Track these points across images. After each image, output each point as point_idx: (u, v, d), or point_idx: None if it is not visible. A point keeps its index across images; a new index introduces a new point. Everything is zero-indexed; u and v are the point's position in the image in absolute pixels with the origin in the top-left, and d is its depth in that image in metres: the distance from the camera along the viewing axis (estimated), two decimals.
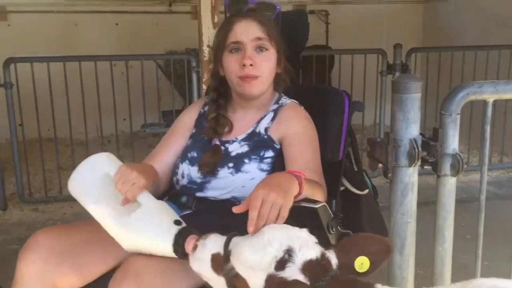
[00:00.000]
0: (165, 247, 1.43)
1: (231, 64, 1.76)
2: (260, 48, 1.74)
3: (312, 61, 4.62)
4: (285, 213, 1.28)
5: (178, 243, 1.40)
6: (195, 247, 1.30)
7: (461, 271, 1.86)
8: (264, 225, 1.23)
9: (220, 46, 1.77)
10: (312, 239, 1.18)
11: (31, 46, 5.34)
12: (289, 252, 1.13)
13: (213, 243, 1.26)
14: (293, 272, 1.10)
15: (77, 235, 1.65)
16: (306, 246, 1.15)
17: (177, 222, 1.46)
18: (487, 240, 2.87)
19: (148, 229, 1.46)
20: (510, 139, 4.32)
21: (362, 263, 1.15)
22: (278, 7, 1.77)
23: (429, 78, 4.88)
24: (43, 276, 1.55)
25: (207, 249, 1.26)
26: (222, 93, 1.85)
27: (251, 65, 1.72)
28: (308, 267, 1.12)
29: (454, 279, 1.60)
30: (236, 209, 1.33)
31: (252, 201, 1.27)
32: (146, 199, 1.52)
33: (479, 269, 1.66)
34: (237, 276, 1.16)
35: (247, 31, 1.72)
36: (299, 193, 1.41)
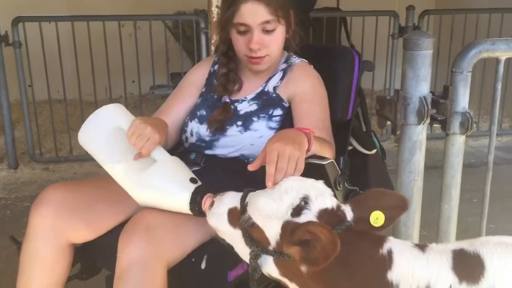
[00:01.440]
0: (182, 205, 1.44)
1: (238, 44, 1.72)
2: (268, 30, 1.69)
3: (323, 23, 4.55)
4: (302, 165, 1.27)
5: (195, 201, 1.41)
6: (212, 204, 1.32)
7: (467, 233, 1.88)
8: (283, 178, 1.23)
9: (227, 22, 1.71)
10: (328, 190, 1.19)
11: (39, 6, 5.29)
12: (305, 200, 1.14)
13: (230, 198, 1.28)
14: (308, 219, 1.12)
15: (87, 190, 1.67)
16: (322, 195, 1.16)
17: (192, 180, 1.47)
18: (493, 204, 2.88)
19: (164, 186, 1.47)
20: None
21: (377, 218, 1.16)
22: None
23: (442, 41, 4.78)
24: (55, 229, 1.58)
25: (224, 204, 1.28)
26: (231, 56, 1.83)
27: (258, 49, 1.69)
28: (324, 215, 1.13)
29: (461, 240, 1.61)
30: (251, 167, 1.32)
31: (269, 155, 1.26)
32: (161, 155, 1.51)
33: (484, 228, 1.67)
34: (253, 225, 1.18)
35: (254, 15, 1.65)
36: (308, 150, 1.41)
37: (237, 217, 1.23)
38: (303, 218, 1.12)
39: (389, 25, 4.61)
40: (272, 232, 1.16)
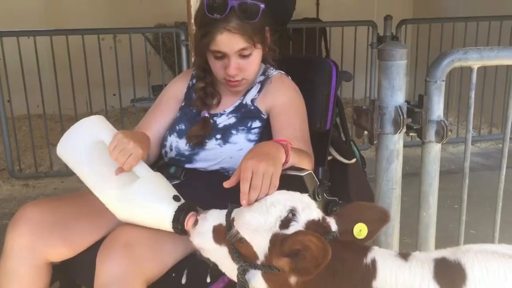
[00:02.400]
0: (164, 223, 1.42)
1: (216, 67, 1.73)
2: (245, 55, 1.69)
3: (303, 34, 4.59)
4: (276, 182, 1.28)
5: (178, 220, 1.40)
6: (195, 223, 1.31)
7: (449, 239, 1.89)
8: (258, 196, 1.23)
9: (203, 48, 1.70)
10: (313, 203, 1.21)
11: (17, 20, 5.25)
12: (292, 212, 1.15)
13: (214, 216, 1.28)
14: (297, 230, 1.13)
15: (65, 207, 1.65)
16: (308, 208, 1.18)
17: (176, 198, 1.45)
18: (474, 209, 2.92)
19: (146, 203, 1.45)
20: (500, 110, 4.34)
21: (360, 230, 1.18)
22: (262, 6, 1.66)
23: (419, 49, 4.87)
24: (32, 248, 1.55)
25: (208, 222, 1.28)
26: (207, 70, 1.82)
27: (236, 74, 1.70)
28: (312, 226, 1.15)
29: (441, 247, 1.62)
30: (226, 184, 1.33)
31: (243, 173, 1.27)
32: (144, 171, 1.49)
33: (463, 234, 1.69)
34: (241, 240, 1.18)
35: (230, 44, 1.65)
36: (286, 162, 1.42)
37: (223, 234, 1.23)
38: (292, 230, 1.13)
39: (368, 35, 4.68)
40: (261, 246, 1.16)
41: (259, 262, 1.17)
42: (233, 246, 1.20)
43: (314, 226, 1.15)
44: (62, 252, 1.59)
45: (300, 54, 4.43)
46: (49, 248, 1.57)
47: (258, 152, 1.35)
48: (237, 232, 1.19)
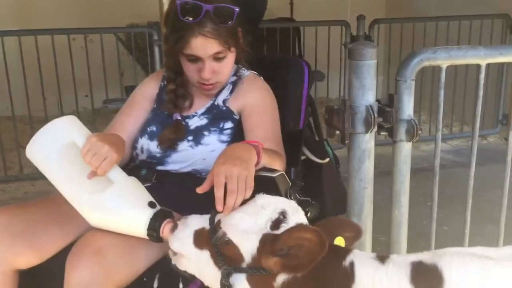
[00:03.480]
0: (139, 231, 1.39)
1: (189, 70, 1.70)
2: (219, 58, 1.67)
3: (277, 34, 4.59)
4: (251, 183, 1.28)
5: (154, 228, 1.37)
6: (175, 227, 1.29)
7: (422, 237, 1.92)
8: (236, 200, 1.23)
9: (175, 49, 1.67)
10: (300, 209, 1.23)
11: None
12: (283, 214, 1.17)
13: (196, 220, 1.27)
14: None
15: (33, 214, 1.60)
16: (297, 212, 1.21)
17: (151, 204, 1.41)
18: (446, 207, 2.96)
19: (120, 210, 1.41)
20: (471, 108, 4.42)
21: (339, 242, 1.24)
22: (236, 9, 1.65)
23: (392, 49, 4.93)
24: None
25: (189, 227, 1.26)
26: (178, 71, 1.79)
27: (210, 77, 1.68)
28: (292, 228, 1.15)
29: (415, 245, 1.65)
30: (200, 189, 1.32)
31: (216, 178, 1.26)
32: (119, 176, 1.45)
33: (434, 231, 1.71)
34: (228, 242, 1.17)
35: (205, 48, 1.63)
36: (258, 163, 1.41)
37: (205, 238, 1.22)
38: (282, 231, 1.14)
39: (341, 35, 4.71)
40: (249, 247, 1.16)
41: (244, 265, 1.17)
42: (216, 249, 1.19)
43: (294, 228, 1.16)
44: (29, 259, 1.54)
45: (273, 54, 4.43)
46: (16, 256, 1.53)
47: (229, 156, 1.34)
48: (224, 234, 1.18)
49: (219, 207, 1.23)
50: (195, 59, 1.66)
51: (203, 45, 1.62)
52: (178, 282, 1.46)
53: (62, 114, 4.31)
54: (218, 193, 1.24)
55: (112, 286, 1.39)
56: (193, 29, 1.60)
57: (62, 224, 1.58)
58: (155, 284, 1.46)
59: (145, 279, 1.47)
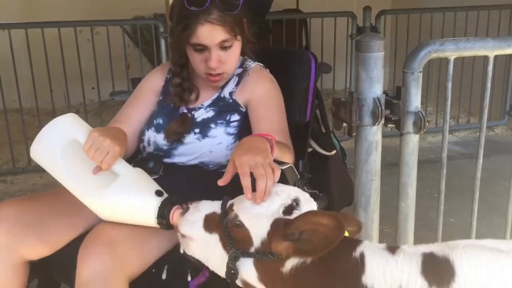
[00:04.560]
0: (149, 220, 1.40)
1: (196, 61, 1.70)
2: (225, 47, 1.67)
3: (282, 25, 4.58)
4: (276, 165, 1.28)
5: (163, 216, 1.38)
6: (186, 210, 1.30)
7: (429, 228, 1.92)
8: (267, 184, 1.21)
9: (183, 41, 1.67)
10: (312, 200, 1.25)
11: None
12: (296, 201, 1.19)
13: (207, 205, 1.28)
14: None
15: (42, 206, 1.62)
16: (310, 202, 1.22)
17: (158, 193, 1.42)
18: (453, 198, 2.96)
19: (129, 201, 1.42)
20: (477, 100, 4.40)
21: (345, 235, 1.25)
22: None
23: (398, 40, 4.91)
24: (8, 247, 1.53)
25: (201, 211, 1.27)
26: (183, 64, 1.80)
27: (217, 67, 1.68)
28: (307, 212, 1.17)
29: (422, 236, 1.65)
30: (221, 182, 1.30)
31: (240, 169, 1.25)
32: (123, 168, 1.46)
33: (441, 223, 1.71)
34: (238, 225, 1.19)
35: (211, 36, 1.63)
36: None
37: (215, 222, 1.23)
38: (294, 217, 1.15)
39: (348, 26, 4.69)
40: (259, 231, 1.17)
41: (253, 249, 1.17)
42: (226, 232, 1.19)
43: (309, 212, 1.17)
44: (39, 250, 1.56)
45: (279, 46, 4.42)
46: (26, 247, 1.54)
47: (249, 147, 1.33)
48: (236, 216, 1.19)
49: (248, 195, 1.20)
50: (202, 48, 1.66)
51: (209, 32, 1.62)
52: (186, 274, 1.48)
53: (69, 106, 4.34)
54: (245, 182, 1.22)
55: (124, 276, 1.41)
56: (199, 17, 1.61)
57: (71, 216, 1.60)
58: (164, 276, 1.48)
59: (153, 270, 1.48)
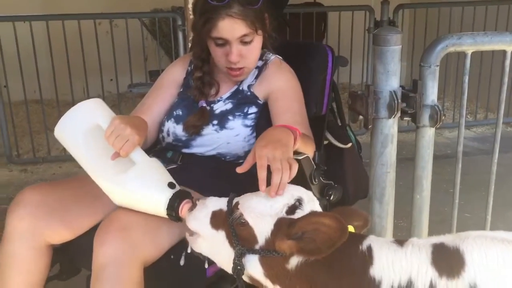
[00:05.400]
0: (159, 210, 1.44)
1: (217, 55, 1.72)
2: (246, 42, 1.69)
3: (299, 19, 4.58)
4: (295, 163, 1.30)
5: (173, 207, 1.42)
6: (194, 207, 1.33)
7: (444, 223, 1.93)
8: (282, 179, 1.24)
9: (203, 32, 1.70)
10: (316, 199, 1.26)
11: (13, 5, 5.22)
12: (299, 201, 1.21)
13: (214, 202, 1.31)
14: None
15: (64, 191, 1.67)
16: (313, 200, 1.24)
17: (171, 185, 1.46)
18: (469, 193, 2.95)
19: (141, 190, 1.46)
20: (496, 95, 4.35)
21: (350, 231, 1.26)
22: None
23: (416, 34, 4.87)
24: (32, 230, 1.57)
25: (207, 208, 1.30)
26: (205, 58, 1.83)
27: (238, 61, 1.70)
28: (311, 213, 1.19)
29: (437, 231, 1.65)
30: (239, 169, 1.33)
31: (259, 161, 1.28)
32: (140, 157, 1.49)
33: (456, 217, 1.72)
34: (243, 224, 1.21)
35: (232, 30, 1.64)
36: (293, 148, 1.44)
37: (222, 218, 1.26)
38: (297, 217, 1.17)
39: (365, 20, 4.67)
40: (263, 229, 1.19)
41: (257, 247, 1.20)
42: (232, 229, 1.22)
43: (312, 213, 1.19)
44: (61, 234, 1.61)
45: (297, 39, 4.42)
46: (49, 231, 1.59)
47: (271, 140, 1.35)
48: (241, 215, 1.22)
49: (262, 187, 1.23)
50: (223, 43, 1.68)
51: (230, 26, 1.64)
52: (204, 260, 1.51)
53: (88, 97, 4.36)
54: (262, 175, 1.25)
55: (138, 262, 1.45)
56: (220, 11, 1.63)
57: (91, 203, 1.64)
58: (182, 262, 1.51)
59: (172, 256, 1.51)
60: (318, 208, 1.23)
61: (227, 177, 1.59)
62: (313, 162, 1.56)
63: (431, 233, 1.70)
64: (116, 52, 4.24)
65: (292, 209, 1.19)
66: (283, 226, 1.17)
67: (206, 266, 1.52)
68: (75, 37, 4.07)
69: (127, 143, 1.45)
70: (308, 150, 1.54)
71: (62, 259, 1.74)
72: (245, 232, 1.21)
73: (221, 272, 1.54)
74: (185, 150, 1.80)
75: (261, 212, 1.20)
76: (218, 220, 1.27)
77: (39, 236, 1.58)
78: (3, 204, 3.37)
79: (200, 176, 1.69)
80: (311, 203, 1.22)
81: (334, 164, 1.92)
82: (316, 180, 1.53)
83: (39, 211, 1.58)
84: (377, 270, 1.12)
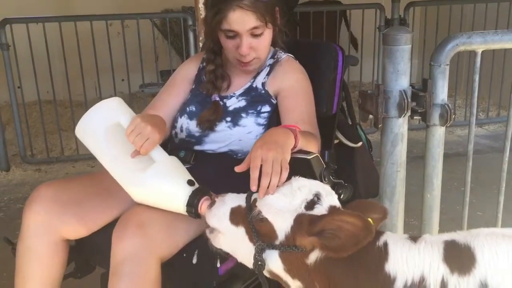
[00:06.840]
0: (179, 207, 1.46)
1: (228, 47, 1.74)
2: (256, 34, 1.71)
3: (310, 17, 4.57)
4: (286, 165, 1.33)
5: (192, 205, 1.44)
6: (213, 204, 1.35)
7: (455, 221, 1.93)
8: (270, 181, 1.27)
9: (215, 27, 1.72)
10: (333, 193, 1.28)
11: (26, 7, 5.28)
12: (317, 196, 1.22)
13: (233, 198, 1.33)
14: (321, 212, 1.19)
15: (79, 187, 1.70)
16: (331, 195, 1.25)
17: (190, 182, 1.48)
18: (481, 192, 2.94)
19: (161, 187, 1.48)
20: (508, 92, 4.32)
21: None
22: None
23: (427, 32, 4.85)
24: (48, 225, 1.61)
25: (226, 205, 1.32)
26: (217, 52, 1.85)
27: (248, 54, 1.71)
28: (334, 211, 1.21)
29: (449, 229, 1.66)
30: (238, 168, 1.37)
31: (252, 162, 1.32)
32: (160, 155, 1.52)
33: (466, 215, 1.72)
34: (262, 220, 1.23)
35: (242, 22, 1.66)
36: (295, 146, 1.46)
37: (241, 215, 1.28)
38: (316, 212, 1.19)
39: (376, 18, 4.65)
40: (283, 225, 1.21)
41: (277, 242, 1.21)
42: (252, 226, 1.24)
43: (336, 212, 1.20)
44: (77, 229, 1.63)
45: (306, 39, 4.42)
46: (64, 225, 1.62)
47: (267, 141, 1.38)
48: (259, 212, 1.23)
49: (253, 187, 1.28)
50: (233, 35, 1.70)
51: (240, 18, 1.66)
52: (216, 259, 1.53)
53: (100, 97, 4.44)
54: (253, 175, 1.30)
55: (155, 257, 1.47)
56: (231, 3, 1.65)
57: (106, 199, 1.67)
58: (194, 260, 1.53)
59: (184, 254, 1.54)
60: (336, 202, 1.25)
61: (239, 176, 1.61)
62: (322, 161, 1.57)
63: (442, 231, 1.69)
64: (127, 52, 4.29)
65: (310, 205, 1.20)
66: (303, 222, 1.18)
67: (218, 265, 1.54)
68: (87, 38, 4.11)
69: (147, 141, 1.48)
70: (311, 147, 1.55)
71: (77, 258, 1.77)
72: (264, 228, 1.23)
73: (233, 270, 1.57)
74: (197, 147, 1.82)
75: (279, 208, 1.22)
76: (237, 216, 1.29)
77: (54, 231, 1.62)
78: (19, 204, 3.43)
79: (213, 175, 1.70)
80: (329, 197, 1.23)
81: (345, 163, 1.93)
82: (326, 179, 1.54)
83: (54, 206, 1.61)
84: (392, 266, 1.14)
